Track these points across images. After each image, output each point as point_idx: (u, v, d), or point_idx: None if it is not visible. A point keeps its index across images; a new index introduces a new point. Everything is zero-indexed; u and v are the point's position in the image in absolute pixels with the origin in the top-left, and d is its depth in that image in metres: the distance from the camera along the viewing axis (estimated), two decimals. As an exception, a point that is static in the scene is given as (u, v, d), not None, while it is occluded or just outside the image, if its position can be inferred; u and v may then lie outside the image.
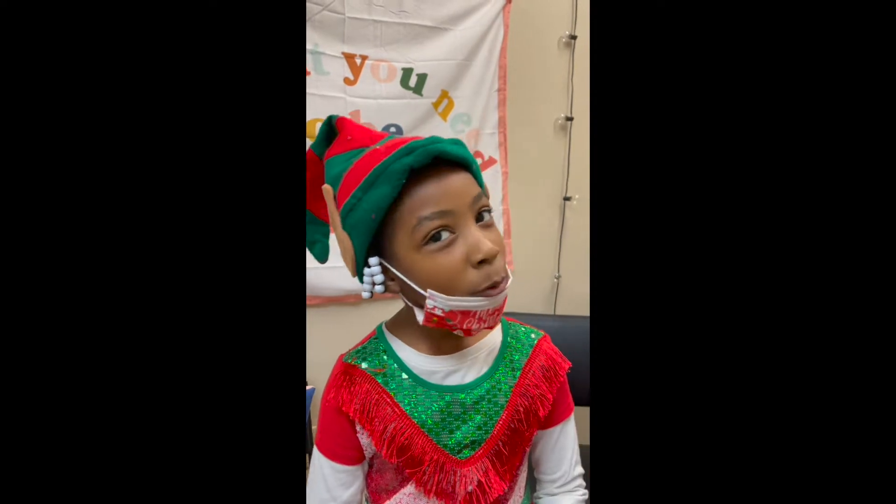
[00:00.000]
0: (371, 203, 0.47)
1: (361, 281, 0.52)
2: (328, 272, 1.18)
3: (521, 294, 1.51)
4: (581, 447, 0.65)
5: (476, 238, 0.47)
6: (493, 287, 0.48)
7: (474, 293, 0.47)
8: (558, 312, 1.57)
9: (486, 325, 0.51)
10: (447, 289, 0.47)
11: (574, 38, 1.43)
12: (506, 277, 0.50)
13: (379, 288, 0.51)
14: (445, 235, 0.47)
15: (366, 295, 0.52)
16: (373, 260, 0.50)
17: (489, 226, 0.50)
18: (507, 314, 0.64)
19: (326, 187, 0.52)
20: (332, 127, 0.55)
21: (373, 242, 0.49)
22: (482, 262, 0.47)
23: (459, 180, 0.48)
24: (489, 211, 0.51)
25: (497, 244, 0.49)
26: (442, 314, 0.49)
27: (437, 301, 0.48)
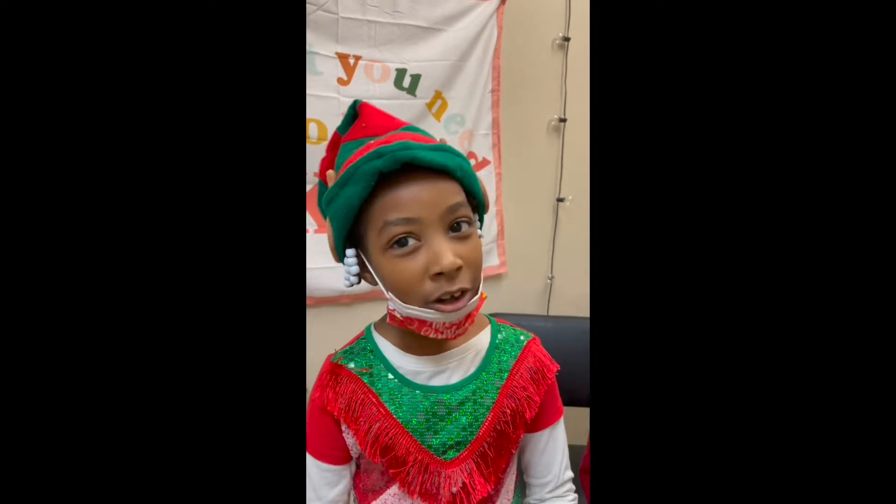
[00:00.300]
0: (345, 199, 0.48)
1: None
2: (321, 273, 1.18)
3: (514, 295, 1.51)
4: (576, 447, 0.65)
5: (438, 250, 0.47)
6: (450, 299, 0.48)
7: (427, 303, 0.48)
8: (551, 313, 1.57)
9: (444, 336, 0.51)
10: (404, 294, 0.48)
11: (567, 39, 1.43)
12: (468, 291, 0.49)
13: (355, 279, 0.52)
14: (411, 242, 0.47)
15: (346, 284, 0.53)
16: (349, 251, 0.51)
17: (464, 237, 0.49)
18: (498, 315, 0.64)
19: (331, 173, 0.53)
20: (356, 111, 0.56)
21: (351, 234, 0.50)
22: (439, 275, 0.47)
23: (432, 188, 0.47)
24: (468, 222, 0.49)
25: (467, 258, 0.48)
26: (401, 317, 0.50)
27: (395, 305, 0.50)
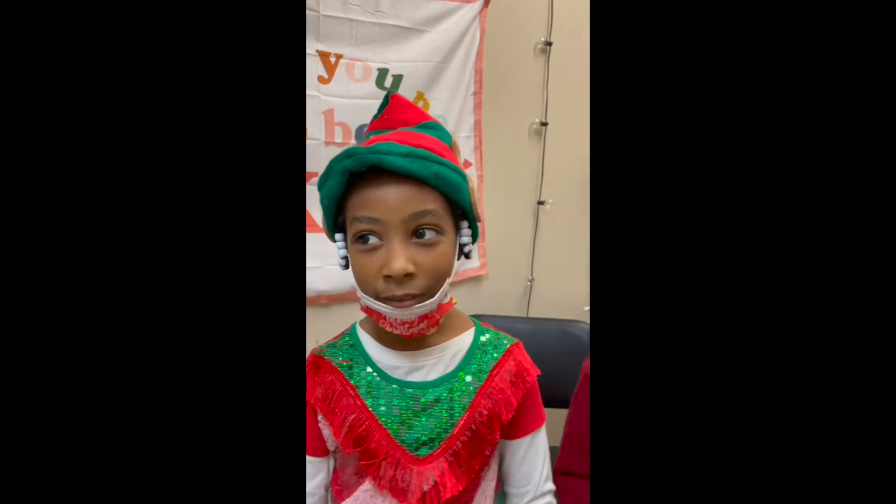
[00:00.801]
0: (326, 190, 0.51)
1: None
2: (300, 273, 1.16)
3: (494, 296, 1.52)
4: (555, 448, 0.64)
5: (393, 254, 0.48)
6: (397, 300, 0.50)
7: (378, 298, 0.50)
8: (531, 315, 1.58)
9: (398, 332, 0.53)
10: (362, 286, 0.52)
11: (550, 44, 1.45)
12: (417, 297, 0.50)
13: (343, 262, 0.56)
14: (372, 240, 0.49)
15: (339, 266, 0.56)
16: (338, 236, 0.54)
17: (427, 245, 0.49)
18: (478, 316, 0.64)
19: None
20: (387, 101, 0.58)
21: (339, 220, 0.53)
22: (390, 277, 0.48)
23: (398, 193, 0.48)
24: (436, 230, 0.50)
25: (423, 265, 0.49)
26: (363, 306, 0.54)
27: (359, 294, 0.53)
